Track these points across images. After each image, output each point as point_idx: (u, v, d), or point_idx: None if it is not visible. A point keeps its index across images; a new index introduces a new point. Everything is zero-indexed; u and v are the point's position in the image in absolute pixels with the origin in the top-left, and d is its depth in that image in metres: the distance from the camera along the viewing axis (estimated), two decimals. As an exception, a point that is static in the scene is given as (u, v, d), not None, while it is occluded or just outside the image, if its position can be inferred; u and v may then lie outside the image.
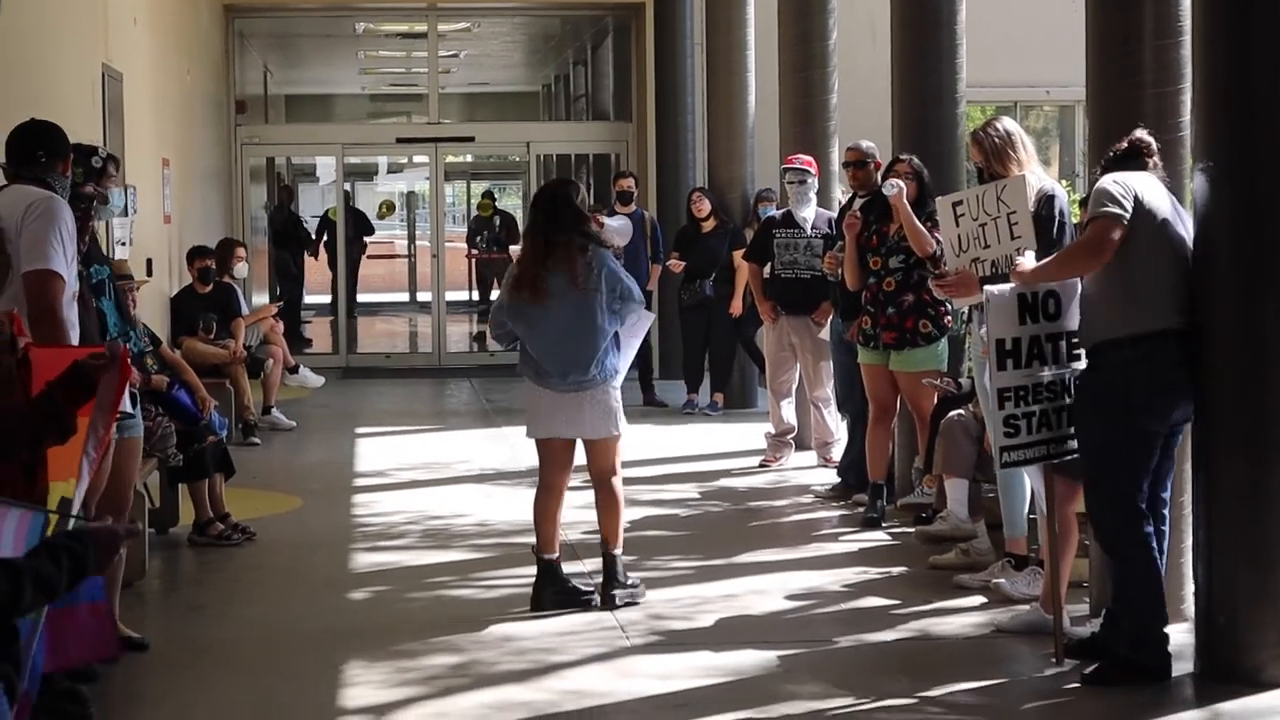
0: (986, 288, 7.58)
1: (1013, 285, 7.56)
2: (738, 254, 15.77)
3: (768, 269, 13.24)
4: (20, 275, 6.61)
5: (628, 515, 10.98)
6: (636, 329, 9.15)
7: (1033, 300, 7.51)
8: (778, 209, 13.63)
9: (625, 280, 8.84)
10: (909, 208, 10.42)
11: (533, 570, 8.93)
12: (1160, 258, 7.27)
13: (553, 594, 8.83)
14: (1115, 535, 7.38)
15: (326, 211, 31.71)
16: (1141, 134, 7.53)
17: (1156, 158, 7.48)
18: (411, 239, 35.20)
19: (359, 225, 29.02)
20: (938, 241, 9.92)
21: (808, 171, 12.97)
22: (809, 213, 12.97)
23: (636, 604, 8.85)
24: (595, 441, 8.93)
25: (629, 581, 8.96)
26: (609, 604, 8.79)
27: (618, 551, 8.97)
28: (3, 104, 9.28)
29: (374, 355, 23.38)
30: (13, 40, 9.60)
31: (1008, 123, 8.68)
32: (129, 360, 5.03)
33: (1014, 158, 8.51)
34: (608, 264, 8.79)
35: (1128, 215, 7.21)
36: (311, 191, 36.71)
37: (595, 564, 9.51)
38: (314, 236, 26.13)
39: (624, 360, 9.05)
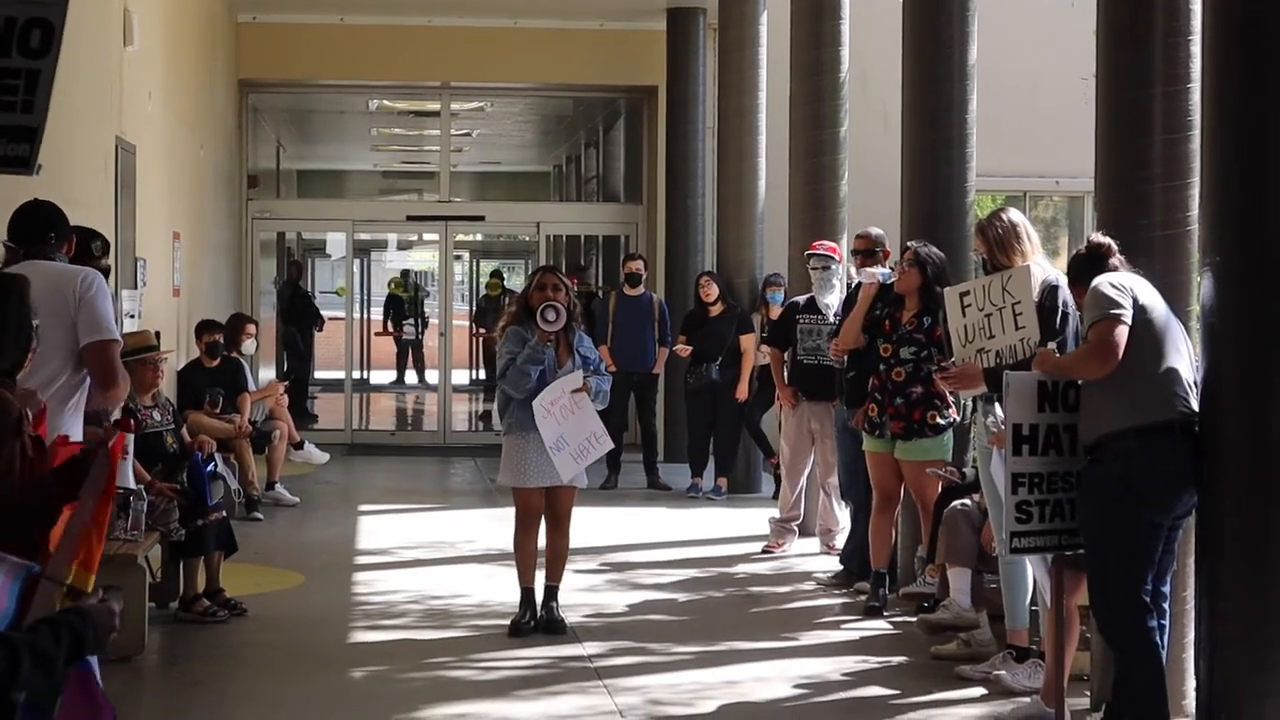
0: (1007, 373, 7.57)
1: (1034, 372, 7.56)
2: (744, 338, 15.79)
3: (789, 354, 13.21)
4: (82, 347, 7.15)
5: (628, 598, 11.05)
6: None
7: (1053, 389, 7.50)
8: (801, 295, 13.48)
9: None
10: (864, 305, 10.97)
11: (535, 651, 9.05)
12: (1162, 352, 7.27)
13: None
14: (1118, 627, 7.35)
15: (391, 283, 32.51)
16: (1098, 237, 7.67)
17: (1117, 256, 7.54)
18: (419, 317, 35.21)
19: (404, 309, 29.81)
20: (924, 340, 10.37)
21: (831, 258, 12.93)
22: (832, 299, 12.83)
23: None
24: (570, 487, 10.20)
25: None
26: (560, 629, 10.01)
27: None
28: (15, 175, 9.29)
29: (379, 433, 23.39)
30: (27, 112, 9.62)
31: (1013, 214, 8.72)
32: (121, 446, 4.97)
33: (1018, 249, 8.54)
34: (585, 339, 10.42)
35: (1129, 314, 7.22)
36: (323, 267, 36.79)
37: (596, 647, 9.52)
38: (384, 315, 26.87)
39: None
